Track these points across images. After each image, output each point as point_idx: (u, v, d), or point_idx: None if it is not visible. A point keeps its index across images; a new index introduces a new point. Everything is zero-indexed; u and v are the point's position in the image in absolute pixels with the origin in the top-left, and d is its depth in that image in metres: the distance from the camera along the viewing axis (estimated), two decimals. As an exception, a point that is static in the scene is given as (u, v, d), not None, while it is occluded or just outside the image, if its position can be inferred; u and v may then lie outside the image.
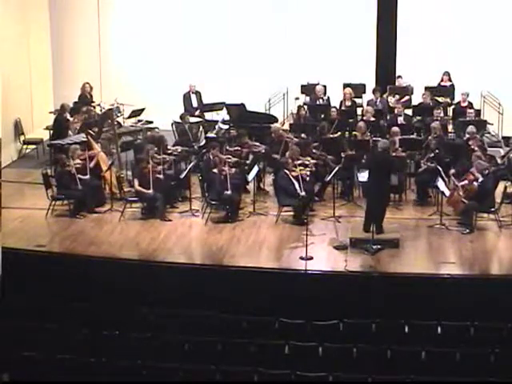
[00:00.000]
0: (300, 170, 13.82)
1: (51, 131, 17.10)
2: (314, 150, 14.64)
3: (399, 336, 10.37)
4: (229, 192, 13.68)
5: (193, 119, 17.20)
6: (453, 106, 17.58)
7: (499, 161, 14.60)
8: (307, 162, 14.14)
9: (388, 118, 17.00)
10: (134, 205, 14.18)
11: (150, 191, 13.80)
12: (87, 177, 14.25)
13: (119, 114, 17.49)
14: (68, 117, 16.76)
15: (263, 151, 15.16)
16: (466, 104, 17.16)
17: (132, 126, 17.68)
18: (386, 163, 13.01)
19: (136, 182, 13.96)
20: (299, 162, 14.08)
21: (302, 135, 15.88)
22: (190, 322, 10.68)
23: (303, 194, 13.48)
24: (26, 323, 10.55)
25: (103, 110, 17.13)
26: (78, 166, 14.26)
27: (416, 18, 18.79)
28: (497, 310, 10.77)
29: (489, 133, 16.80)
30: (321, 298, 11.21)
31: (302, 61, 19.17)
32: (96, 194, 14.35)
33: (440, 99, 17.65)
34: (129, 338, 10.36)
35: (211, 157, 14.34)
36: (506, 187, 13.93)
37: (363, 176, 13.28)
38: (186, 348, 10.18)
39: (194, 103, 18.45)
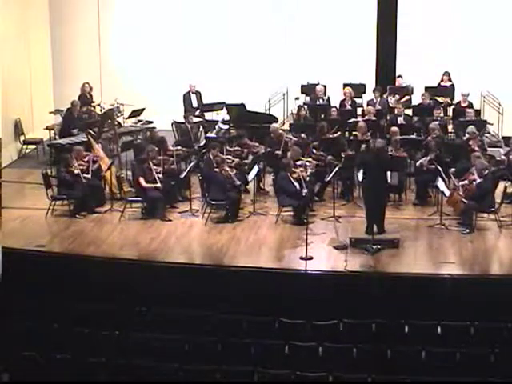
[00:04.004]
0: (301, 171, 13.82)
1: (59, 128, 17.17)
2: (313, 150, 14.64)
3: (399, 336, 10.37)
4: (229, 192, 13.73)
5: (193, 119, 17.18)
6: (453, 106, 17.58)
7: (503, 154, 14.62)
8: (308, 163, 14.15)
9: (388, 117, 17.00)
10: (133, 205, 14.18)
11: (159, 184, 13.83)
12: (89, 177, 14.27)
13: (119, 114, 17.49)
14: (75, 114, 16.83)
15: (264, 151, 15.16)
16: (466, 104, 17.16)
17: (132, 126, 17.69)
18: (380, 163, 12.99)
19: (142, 180, 13.94)
20: (300, 162, 14.10)
21: (302, 135, 15.88)
22: (190, 322, 10.69)
23: (305, 191, 13.43)
24: (25, 323, 10.55)
25: (103, 110, 17.15)
26: (81, 167, 14.27)
27: (416, 18, 18.79)
28: (497, 309, 10.77)
29: (489, 133, 16.80)
30: (321, 298, 11.20)
31: (302, 61, 19.17)
32: (96, 193, 14.35)
33: (440, 99, 17.65)
34: (129, 337, 10.36)
35: (211, 157, 14.34)
36: (506, 187, 13.94)
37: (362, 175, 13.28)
38: (185, 348, 10.18)
39: (194, 103, 18.44)
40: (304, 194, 13.33)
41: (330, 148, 14.94)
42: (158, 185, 13.87)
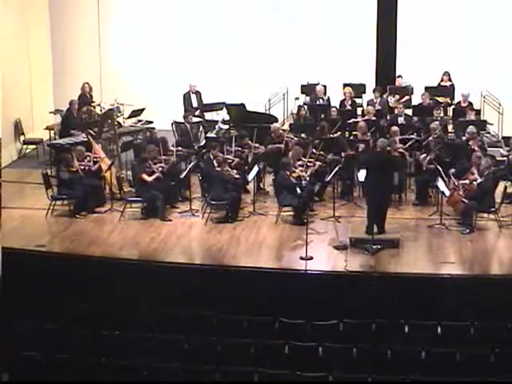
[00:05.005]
0: (301, 171, 13.82)
1: (59, 128, 17.16)
2: (313, 150, 14.63)
3: (399, 336, 10.37)
4: (230, 192, 13.75)
5: (193, 119, 17.18)
6: (453, 106, 17.57)
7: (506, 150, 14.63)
8: (309, 164, 14.15)
9: (388, 117, 17.00)
10: (133, 205, 14.18)
11: (160, 175, 13.88)
12: (89, 177, 14.28)
13: (119, 114, 17.49)
14: (75, 114, 16.80)
15: (267, 149, 15.18)
16: (465, 104, 17.16)
17: (132, 126, 17.68)
18: (384, 163, 13.02)
19: (145, 176, 13.94)
20: (300, 162, 14.10)
21: (302, 135, 15.88)
22: (190, 322, 10.69)
23: (304, 182, 13.43)
24: (25, 323, 10.56)
25: (103, 110, 17.15)
26: (82, 167, 14.28)
27: (416, 17, 18.79)
28: (497, 309, 10.77)
29: (489, 133, 16.80)
30: (321, 298, 11.20)
31: (302, 61, 19.17)
32: (96, 194, 14.36)
33: (440, 99, 17.65)
34: (129, 338, 10.36)
35: (212, 157, 14.34)
36: (506, 187, 13.94)
37: (363, 176, 13.28)
38: (185, 348, 10.18)
39: (194, 103, 18.44)
40: (301, 190, 13.32)
41: (330, 148, 14.94)
42: (160, 175, 13.89)
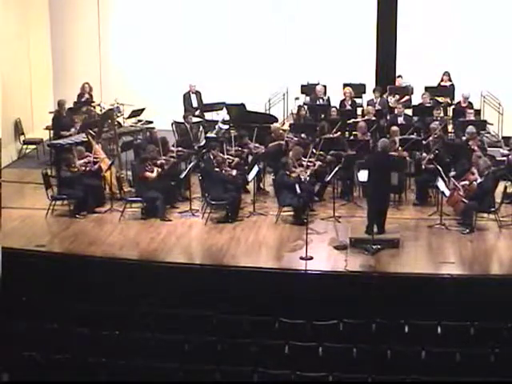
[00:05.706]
0: (300, 171, 13.82)
1: (52, 129, 17.12)
2: (313, 150, 14.63)
3: (399, 336, 10.37)
4: (230, 192, 13.75)
5: (193, 119, 17.18)
6: (453, 106, 17.58)
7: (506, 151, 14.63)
8: (310, 164, 14.16)
9: (388, 117, 17.00)
10: (133, 205, 14.18)
11: (159, 169, 13.94)
12: (89, 177, 14.28)
13: (119, 114, 17.48)
14: (64, 114, 16.75)
15: (268, 148, 15.18)
16: (466, 104, 17.16)
17: (132, 126, 17.68)
18: (385, 163, 13.03)
19: (147, 173, 13.94)
20: (300, 162, 14.10)
21: (302, 135, 15.88)
22: (190, 322, 10.69)
23: (304, 178, 13.45)
24: (26, 323, 10.56)
25: (103, 110, 17.14)
26: (83, 167, 14.29)
27: (416, 17, 18.79)
28: (497, 309, 10.76)
29: (489, 133, 16.80)
30: (321, 298, 11.20)
31: (302, 61, 19.17)
32: (96, 194, 14.36)
33: (440, 99, 17.65)
34: (129, 338, 10.36)
35: (212, 157, 14.35)
36: (506, 187, 13.94)
37: (363, 176, 13.28)
38: (185, 348, 10.18)
39: (194, 103, 18.44)
40: (301, 189, 13.33)
41: (330, 148, 14.94)
42: (160, 170, 13.95)
